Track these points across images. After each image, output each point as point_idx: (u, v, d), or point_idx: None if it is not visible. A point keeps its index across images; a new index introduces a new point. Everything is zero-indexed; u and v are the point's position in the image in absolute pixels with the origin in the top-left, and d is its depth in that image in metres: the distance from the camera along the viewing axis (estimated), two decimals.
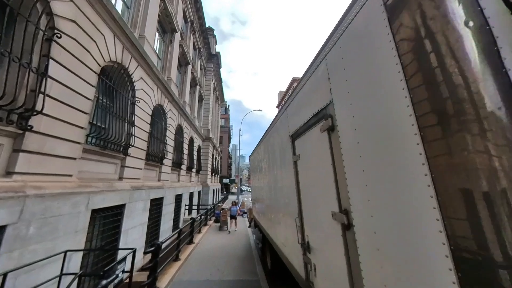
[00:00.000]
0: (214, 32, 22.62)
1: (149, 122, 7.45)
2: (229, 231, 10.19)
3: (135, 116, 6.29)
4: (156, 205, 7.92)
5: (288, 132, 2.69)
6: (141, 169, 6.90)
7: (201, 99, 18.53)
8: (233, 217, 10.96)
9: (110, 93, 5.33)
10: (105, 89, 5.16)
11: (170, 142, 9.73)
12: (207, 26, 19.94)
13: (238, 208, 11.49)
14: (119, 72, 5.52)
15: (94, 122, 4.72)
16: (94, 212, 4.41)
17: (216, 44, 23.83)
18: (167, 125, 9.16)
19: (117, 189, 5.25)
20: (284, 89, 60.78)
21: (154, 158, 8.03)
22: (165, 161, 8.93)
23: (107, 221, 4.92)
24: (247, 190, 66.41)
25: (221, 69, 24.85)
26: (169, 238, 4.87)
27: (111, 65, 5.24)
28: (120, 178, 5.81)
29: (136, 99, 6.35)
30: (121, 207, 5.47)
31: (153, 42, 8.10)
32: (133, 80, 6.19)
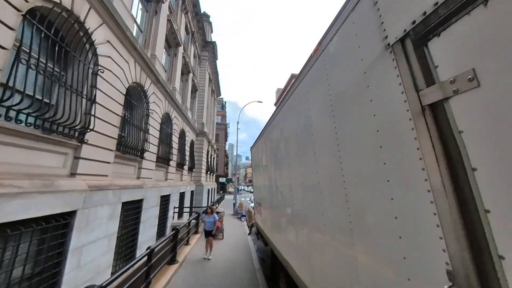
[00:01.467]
0: (209, 19, 20.92)
1: (123, 104, 5.79)
2: (206, 258, 6.41)
3: (97, 91, 4.63)
4: (132, 210, 6.27)
5: (387, 37, 1.08)
6: (109, 163, 5.25)
7: (194, 89, 16.84)
8: (208, 234, 6.72)
9: (51, 50, 3.65)
10: (40, 42, 3.49)
11: (155, 132, 8.07)
12: (202, 11, 18.26)
13: (216, 219, 7.07)
14: (66, 20, 3.86)
15: (19, 89, 3.05)
16: (6, 227, 2.76)
17: (212, 32, 22.12)
18: (150, 111, 7.50)
19: (61, 189, 3.60)
20: (282, 86, 59.31)
21: (131, 150, 6.38)
22: (146, 154, 7.27)
23: (38, 240, 3.27)
24: (244, 189, 65.03)
25: (216, 61, 23.14)
26: (133, 265, 3.23)
27: (49, 7, 3.57)
28: (73, 174, 4.16)
29: (99, 67, 4.69)
30: (69, 215, 3.82)
31: (130, 3, 6.43)
32: (94, 41, 4.52)
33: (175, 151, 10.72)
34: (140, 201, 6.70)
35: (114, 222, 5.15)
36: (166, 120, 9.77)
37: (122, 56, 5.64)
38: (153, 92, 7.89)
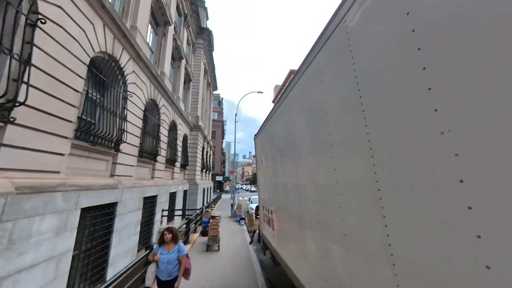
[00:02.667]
0: (205, 4, 19.38)
1: (84, 77, 4.36)
2: None
3: (35, 49, 3.19)
4: (101, 217, 4.85)
5: None
6: (62, 155, 3.82)
7: (188, 79, 15.36)
8: (164, 287, 3.33)
9: None
10: None
11: (136, 120, 6.64)
12: None
13: (184, 253, 3.49)
14: None
15: None
16: None
17: (207, 19, 20.59)
18: (128, 93, 6.05)
19: None
20: (280, 83, 57.76)
21: (99, 139, 4.94)
22: (123, 147, 5.85)
23: None
24: (241, 188, 63.76)
25: (213, 52, 21.61)
26: None
27: None
28: None
29: (39, 16, 3.24)
30: None
31: None
32: None
33: (164, 145, 9.29)
34: (113, 205, 5.28)
35: (67, 236, 3.73)
36: (152, 108, 8.32)
37: (81, 11, 4.19)
38: (133, 71, 6.43)
